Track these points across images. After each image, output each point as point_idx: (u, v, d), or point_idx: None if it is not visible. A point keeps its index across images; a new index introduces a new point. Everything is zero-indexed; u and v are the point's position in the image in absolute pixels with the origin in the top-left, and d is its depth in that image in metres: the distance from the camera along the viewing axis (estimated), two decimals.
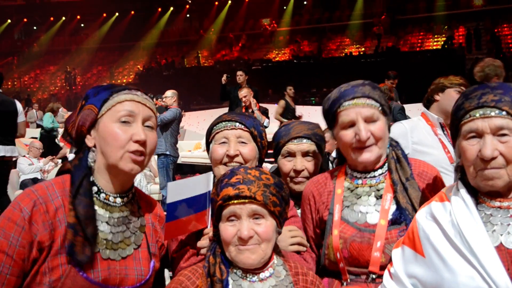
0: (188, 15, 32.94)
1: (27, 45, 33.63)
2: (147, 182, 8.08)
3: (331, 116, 1.74)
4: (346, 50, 26.24)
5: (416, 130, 2.93)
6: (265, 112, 7.55)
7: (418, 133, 2.91)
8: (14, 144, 5.55)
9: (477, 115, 1.37)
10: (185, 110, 12.40)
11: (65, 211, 1.38)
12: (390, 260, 1.58)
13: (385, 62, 19.55)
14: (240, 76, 8.35)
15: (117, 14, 32.02)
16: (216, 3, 31.14)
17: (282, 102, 9.04)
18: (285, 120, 8.00)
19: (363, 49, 26.09)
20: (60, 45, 33.19)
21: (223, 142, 1.78)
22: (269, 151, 2.01)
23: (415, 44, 25.83)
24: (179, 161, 8.50)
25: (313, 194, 1.85)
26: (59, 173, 1.53)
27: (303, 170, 2.04)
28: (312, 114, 9.92)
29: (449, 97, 2.91)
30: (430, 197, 1.59)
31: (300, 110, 9.93)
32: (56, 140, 10.67)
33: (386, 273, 1.57)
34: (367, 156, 1.68)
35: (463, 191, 1.43)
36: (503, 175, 1.34)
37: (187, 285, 1.40)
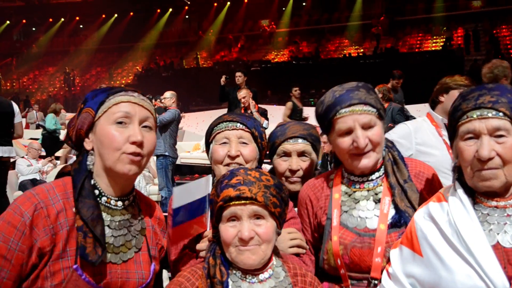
0: (187, 16, 32.97)
1: (26, 46, 33.62)
2: (146, 183, 8.07)
3: (326, 122, 1.71)
4: (345, 51, 26.28)
5: (420, 131, 2.92)
6: (264, 114, 7.55)
7: (422, 134, 2.90)
8: (11, 145, 5.62)
9: (474, 116, 1.38)
10: (184, 111, 12.42)
11: (66, 214, 1.37)
12: (388, 260, 1.59)
13: (384, 63, 19.58)
14: (239, 77, 8.36)
15: (116, 15, 32.04)
16: (215, 4, 31.17)
17: (289, 104, 9.01)
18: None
19: (362, 50, 26.13)
20: (59, 46, 33.19)
21: (224, 143, 1.77)
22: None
23: (414, 45, 25.89)
24: (178, 162, 8.49)
25: (310, 198, 1.84)
26: (59, 175, 1.52)
27: (298, 170, 2.04)
28: (311, 115, 9.92)
29: (453, 98, 2.90)
30: (428, 198, 1.60)
31: None
32: (60, 138, 10.62)
33: (384, 273, 1.58)
34: (366, 162, 1.67)
35: (460, 191, 1.44)
36: (500, 175, 1.35)
37: (187, 286, 1.40)
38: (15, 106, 5.65)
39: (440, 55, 20.95)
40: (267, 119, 7.49)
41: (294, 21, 29.85)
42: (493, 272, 1.28)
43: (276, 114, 10.17)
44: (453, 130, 1.47)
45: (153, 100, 8.13)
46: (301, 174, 2.04)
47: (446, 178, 1.85)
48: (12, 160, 6.22)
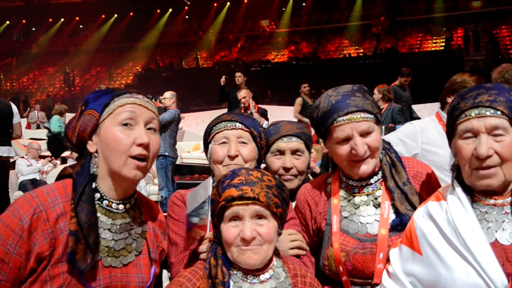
0: (187, 16, 32.97)
1: (26, 46, 33.60)
2: (146, 183, 8.08)
3: (323, 129, 1.71)
4: (345, 51, 26.28)
5: (426, 130, 2.92)
6: (263, 114, 7.55)
7: (428, 133, 2.90)
8: (10, 145, 5.69)
9: (473, 114, 1.39)
10: (184, 111, 12.41)
11: (66, 218, 1.35)
12: (388, 260, 1.59)
13: (384, 64, 19.59)
14: (239, 77, 8.35)
15: (116, 15, 32.05)
16: (215, 4, 31.18)
17: (299, 100, 8.99)
18: (305, 119, 7.93)
19: (361, 50, 26.13)
20: (59, 46, 33.18)
21: (223, 142, 1.76)
22: None
23: (413, 45, 25.89)
24: (178, 162, 8.49)
25: (309, 203, 1.84)
26: (59, 177, 1.50)
27: (292, 167, 2.04)
28: None
29: None
30: (426, 197, 1.61)
31: None
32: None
33: (384, 272, 1.58)
34: (365, 168, 1.67)
35: (458, 190, 1.45)
36: (498, 173, 1.36)
37: (188, 286, 1.39)
38: (14, 107, 5.73)
39: (440, 56, 20.95)
40: (267, 119, 7.48)
41: (294, 21, 29.85)
42: (491, 269, 1.30)
43: (276, 114, 10.17)
44: (451, 129, 1.48)
45: (153, 100, 8.13)
46: (295, 172, 2.05)
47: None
48: (11, 160, 6.25)
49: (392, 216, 1.67)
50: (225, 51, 29.83)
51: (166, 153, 7.25)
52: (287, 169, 2.04)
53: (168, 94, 7.56)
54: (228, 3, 30.77)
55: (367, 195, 1.73)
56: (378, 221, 1.67)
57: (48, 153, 10.18)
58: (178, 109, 7.69)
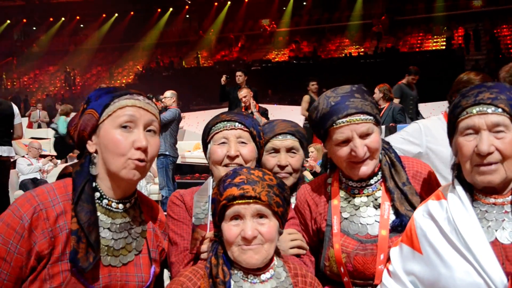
0: (187, 16, 32.95)
1: (27, 45, 33.63)
2: (147, 182, 8.09)
3: (323, 131, 1.70)
4: (345, 50, 26.26)
5: (431, 129, 2.92)
6: (264, 113, 7.55)
7: (433, 132, 2.91)
8: (11, 145, 5.77)
9: (474, 111, 1.40)
10: (184, 111, 12.42)
11: (66, 217, 1.36)
12: (388, 259, 1.59)
13: (384, 63, 19.59)
14: (240, 76, 8.35)
15: (116, 14, 32.04)
16: (216, 3, 31.16)
17: (306, 97, 8.96)
18: None
19: (362, 49, 26.11)
20: (59, 45, 33.17)
21: (223, 143, 1.75)
22: None
23: (414, 45, 25.86)
24: (179, 161, 8.50)
25: (309, 203, 1.84)
26: (60, 176, 1.50)
27: (287, 165, 2.05)
28: None
29: None
30: (426, 197, 1.61)
31: (299, 110, 9.92)
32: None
33: (384, 271, 1.59)
34: (364, 169, 1.67)
35: (459, 188, 1.46)
36: (499, 170, 1.37)
37: (188, 286, 1.39)
38: (15, 108, 5.82)
39: (440, 55, 20.93)
40: (267, 119, 7.48)
41: (295, 21, 29.83)
42: (491, 268, 1.30)
43: (277, 114, 10.16)
44: (452, 126, 1.48)
45: (154, 100, 8.14)
46: (289, 169, 2.05)
47: None
48: (12, 160, 6.29)
49: (392, 217, 1.67)
50: (225, 51, 29.81)
51: (167, 153, 7.26)
52: (282, 167, 2.04)
53: (168, 93, 7.56)
54: (229, 3, 30.76)
55: (367, 196, 1.73)
56: (378, 222, 1.67)
57: (50, 153, 10.18)
58: (179, 109, 7.70)
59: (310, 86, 9.07)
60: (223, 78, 8.61)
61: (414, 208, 1.63)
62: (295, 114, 9.57)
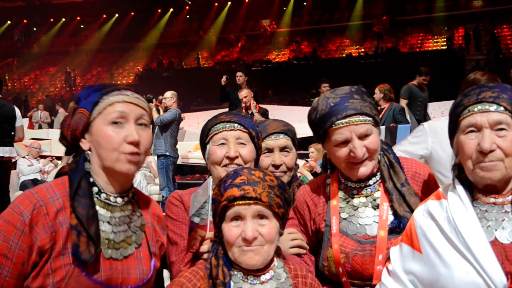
0: (187, 16, 32.99)
1: (27, 46, 33.68)
2: (147, 183, 8.09)
3: (322, 132, 1.71)
4: (346, 51, 26.27)
5: (437, 130, 2.94)
6: (265, 114, 7.54)
7: (439, 133, 2.92)
8: (12, 146, 5.82)
9: (476, 109, 1.40)
10: (185, 111, 12.42)
11: (65, 212, 1.38)
12: (388, 259, 1.59)
13: (384, 63, 19.60)
14: (240, 77, 8.35)
15: (117, 15, 32.08)
16: (216, 4, 31.19)
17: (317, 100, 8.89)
18: None
19: (362, 50, 26.12)
20: (60, 46, 33.22)
21: (222, 144, 1.75)
22: None
23: (414, 45, 25.88)
24: (179, 162, 8.50)
25: (308, 204, 1.84)
26: (57, 175, 1.52)
27: (281, 164, 2.06)
28: None
29: None
30: (424, 198, 1.61)
31: (299, 111, 9.93)
32: None
33: (384, 271, 1.59)
34: (363, 170, 1.68)
35: (459, 188, 1.46)
36: (501, 167, 1.37)
37: (188, 286, 1.39)
38: (17, 111, 5.92)
39: (441, 55, 20.94)
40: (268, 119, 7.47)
41: (295, 21, 29.85)
42: (491, 268, 1.30)
43: (277, 114, 10.17)
44: (454, 125, 1.48)
45: (154, 100, 8.14)
46: (284, 168, 2.07)
47: None
48: (13, 160, 6.33)
49: (391, 218, 1.67)
50: (226, 51, 29.84)
51: (167, 153, 7.26)
52: (276, 166, 2.06)
53: (169, 94, 7.57)
54: (229, 3, 30.78)
55: (366, 196, 1.73)
56: (377, 222, 1.67)
57: (50, 154, 10.18)
58: (179, 109, 7.70)
59: (322, 88, 8.97)
60: (224, 78, 8.61)
61: (411, 209, 1.63)
62: (295, 115, 9.59)
